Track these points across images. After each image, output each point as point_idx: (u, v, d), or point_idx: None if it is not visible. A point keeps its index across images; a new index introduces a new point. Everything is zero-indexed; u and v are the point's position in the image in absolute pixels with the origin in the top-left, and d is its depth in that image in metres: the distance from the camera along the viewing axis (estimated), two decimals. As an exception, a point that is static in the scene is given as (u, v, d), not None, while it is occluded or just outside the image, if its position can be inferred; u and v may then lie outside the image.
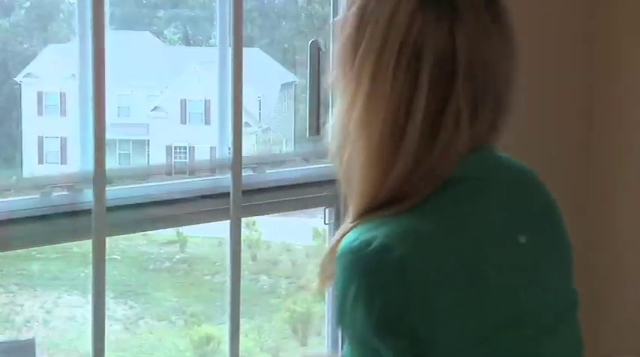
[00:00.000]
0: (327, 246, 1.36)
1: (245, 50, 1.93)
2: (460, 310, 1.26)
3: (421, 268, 1.24)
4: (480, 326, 1.28)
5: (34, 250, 2.51)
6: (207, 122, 3.62)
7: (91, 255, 1.74)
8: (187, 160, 3.67)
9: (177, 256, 3.84)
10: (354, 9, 1.31)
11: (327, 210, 2.17)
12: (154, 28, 3.31)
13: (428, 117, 1.26)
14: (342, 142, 1.32)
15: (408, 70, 1.26)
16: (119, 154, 3.63)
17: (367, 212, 1.30)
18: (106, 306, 1.77)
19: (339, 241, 1.30)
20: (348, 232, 1.29)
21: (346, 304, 1.27)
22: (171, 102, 3.72)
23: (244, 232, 2.01)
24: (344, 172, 1.33)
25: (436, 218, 1.29)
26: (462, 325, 1.26)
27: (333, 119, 1.34)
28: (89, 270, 1.74)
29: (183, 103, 3.73)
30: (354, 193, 1.32)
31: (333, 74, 1.35)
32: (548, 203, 1.45)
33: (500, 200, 1.36)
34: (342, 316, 1.29)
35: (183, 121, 3.71)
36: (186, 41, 3.72)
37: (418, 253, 1.25)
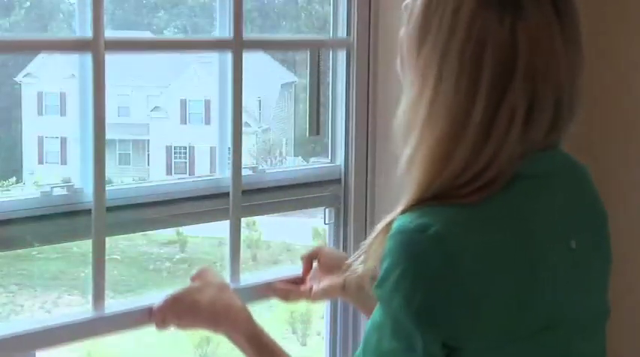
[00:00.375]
0: (377, 227, 1.33)
1: (245, 50, 1.93)
2: (505, 308, 1.26)
3: (474, 262, 1.23)
4: (520, 325, 1.27)
5: (34, 250, 2.51)
6: (207, 122, 3.62)
7: (91, 255, 1.74)
8: (187, 160, 3.67)
9: (177, 256, 3.84)
10: (418, 4, 1.30)
11: (327, 210, 2.17)
12: (154, 28, 3.31)
13: (486, 115, 1.26)
14: (406, 134, 1.31)
15: (470, 69, 1.26)
16: (119, 154, 3.64)
17: (422, 201, 1.28)
18: (106, 306, 1.76)
19: (388, 224, 1.29)
20: (402, 214, 1.28)
21: (387, 282, 1.25)
22: (171, 102, 3.72)
23: (244, 232, 2.00)
24: (405, 162, 1.31)
25: (497, 214, 1.28)
26: (503, 323, 1.26)
27: (400, 111, 1.33)
28: (89, 270, 1.74)
29: (183, 103, 3.73)
30: (411, 183, 1.30)
31: (399, 66, 1.37)
32: (597, 204, 1.45)
33: (559, 200, 1.36)
34: (380, 290, 1.27)
35: (184, 121, 3.72)
36: (187, 41, 3.71)
37: (473, 247, 1.24)
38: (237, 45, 1.90)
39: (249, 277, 1.96)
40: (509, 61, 1.25)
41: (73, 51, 1.75)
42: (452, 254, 1.23)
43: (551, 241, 1.32)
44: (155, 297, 1.71)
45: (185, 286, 1.70)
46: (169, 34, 3.29)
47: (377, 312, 1.29)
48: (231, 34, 1.89)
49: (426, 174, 1.28)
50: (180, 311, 1.66)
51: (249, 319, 1.64)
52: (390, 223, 1.29)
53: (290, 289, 1.87)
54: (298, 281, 1.88)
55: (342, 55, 2.14)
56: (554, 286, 1.31)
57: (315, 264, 1.87)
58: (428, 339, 1.24)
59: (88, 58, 1.69)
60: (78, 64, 1.73)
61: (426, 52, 1.29)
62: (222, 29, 1.93)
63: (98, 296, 1.73)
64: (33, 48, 1.75)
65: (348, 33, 2.12)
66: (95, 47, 1.68)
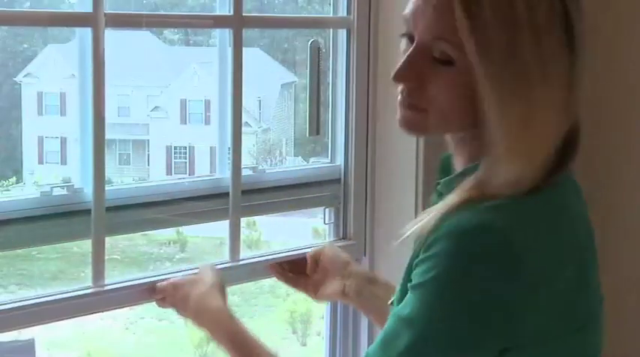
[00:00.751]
0: (429, 217, 1.26)
1: (245, 50, 1.93)
2: (552, 309, 1.25)
3: (536, 263, 1.22)
4: (560, 325, 1.27)
5: (34, 250, 2.51)
6: (207, 122, 3.62)
7: (90, 255, 1.74)
8: (187, 160, 3.67)
9: (177, 256, 3.84)
10: (505, 41, 1.23)
11: (327, 210, 2.17)
12: (154, 28, 3.30)
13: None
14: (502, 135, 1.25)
15: (578, 60, 1.31)
16: (119, 154, 3.63)
17: (472, 199, 1.24)
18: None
19: (441, 216, 1.24)
20: (460, 208, 1.23)
21: (438, 277, 1.21)
22: (171, 102, 3.72)
23: (244, 232, 2.01)
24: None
25: (548, 213, 1.27)
26: (546, 324, 1.24)
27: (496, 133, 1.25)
28: (89, 270, 1.74)
29: (183, 103, 3.73)
30: (502, 177, 1.24)
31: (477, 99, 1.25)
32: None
33: (580, 199, 1.38)
34: (429, 288, 1.22)
35: (183, 121, 3.71)
36: (186, 41, 3.71)
37: (536, 246, 1.22)
38: (237, 22, 1.89)
39: (259, 254, 2.00)
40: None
41: (72, 24, 1.76)
42: (513, 255, 1.21)
43: (585, 239, 1.35)
44: (157, 276, 1.76)
45: (186, 276, 1.74)
46: (169, 35, 3.28)
47: (410, 307, 1.24)
48: (232, 12, 1.89)
49: (520, 170, 1.24)
50: (175, 299, 1.72)
51: (230, 318, 1.65)
52: (444, 214, 1.24)
53: (299, 281, 1.89)
54: (303, 271, 1.89)
55: (342, 34, 2.13)
56: (592, 283, 1.33)
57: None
58: (480, 339, 1.22)
59: (87, 34, 1.69)
60: (78, 58, 1.73)
61: (535, 76, 1.25)
62: (222, 29, 1.93)
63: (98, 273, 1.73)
64: (34, 21, 1.75)
65: (349, 12, 2.12)
66: (95, 21, 1.68)
